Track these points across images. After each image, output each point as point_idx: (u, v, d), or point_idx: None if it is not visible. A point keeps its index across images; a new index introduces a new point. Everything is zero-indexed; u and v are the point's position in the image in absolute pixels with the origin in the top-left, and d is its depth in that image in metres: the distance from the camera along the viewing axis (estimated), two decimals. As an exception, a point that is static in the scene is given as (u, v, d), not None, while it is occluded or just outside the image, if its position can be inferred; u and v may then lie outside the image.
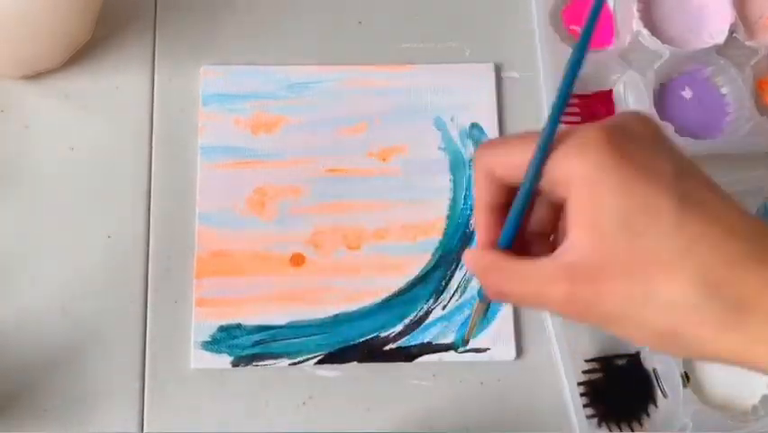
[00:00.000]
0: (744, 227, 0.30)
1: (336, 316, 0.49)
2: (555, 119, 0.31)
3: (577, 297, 0.31)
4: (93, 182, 0.50)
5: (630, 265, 0.29)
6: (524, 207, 0.32)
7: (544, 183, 0.31)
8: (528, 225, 0.35)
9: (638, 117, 0.32)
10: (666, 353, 0.31)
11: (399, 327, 0.49)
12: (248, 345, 0.48)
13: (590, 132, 0.30)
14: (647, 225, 0.29)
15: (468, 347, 0.49)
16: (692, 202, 0.29)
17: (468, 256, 0.35)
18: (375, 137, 0.52)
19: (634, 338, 0.31)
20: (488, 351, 0.49)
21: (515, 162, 0.32)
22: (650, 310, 0.29)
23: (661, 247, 0.29)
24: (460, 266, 0.51)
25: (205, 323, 0.48)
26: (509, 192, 0.33)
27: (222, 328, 0.48)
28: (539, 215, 0.35)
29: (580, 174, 0.30)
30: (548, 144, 0.31)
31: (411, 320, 0.49)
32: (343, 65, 0.54)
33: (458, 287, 0.50)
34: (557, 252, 0.31)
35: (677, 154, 0.31)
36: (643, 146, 0.30)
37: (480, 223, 0.34)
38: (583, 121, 0.53)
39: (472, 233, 0.51)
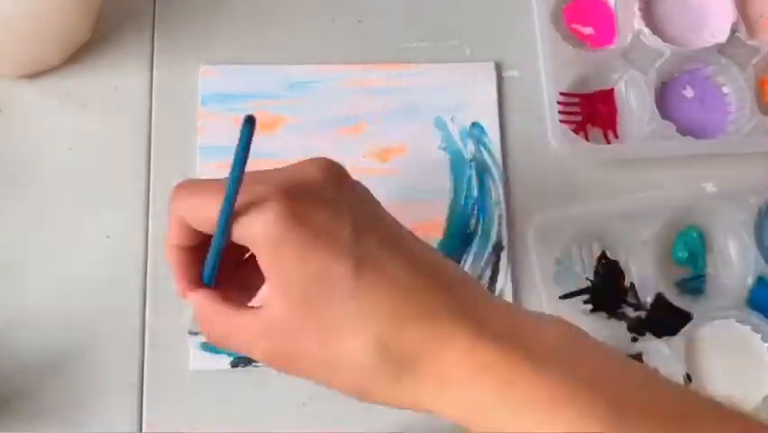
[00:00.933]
0: (415, 284, 0.31)
1: (336, 316, 0.49)
2: (235, 180, 0.31)
3: (275, 354, 0.33)
4: (92, 182, 0.50)
5: (318, 330, 0.31)
6: (218, 254, 0.33)
7: (235, 239, 0.32)
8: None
9: (319, 168, 0.33)
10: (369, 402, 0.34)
11: (399, 328, 0.49)
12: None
13: (270, 193, 0.31)
14: (326, 293, 0.31)
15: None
16: (368, 265, 0.31)
17: (188, 297, 0.36)
18: (374, 137, 0.52)
19: (335, 389, 0.33)
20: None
21: (203, 216, 0.33)
22: (339, 371, 0.32)
23: (340, 313, 0.31)
24: (460, 266, 0.50)
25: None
26: (203, 235, 0.34)
27: (221, 329, 0.48)
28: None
29: (261, 239, 0.31)
30: (230, 206, 0.31)
31: (410, 320, 0.49)
32: (343, 65, 0.53)
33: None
34: (263, 306, 0.33)
35: (357, 210, 0.32)
36: (321, 206, 0.31)
37: (175, 262, 0.35)
38: (584, 120, 0.53)
39: (473, 233, 0.51)
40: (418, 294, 0.31)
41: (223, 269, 0.35)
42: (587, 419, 0.29)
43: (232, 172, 0.31)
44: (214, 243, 0.33)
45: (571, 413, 0.29)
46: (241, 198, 0.31)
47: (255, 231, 0.31)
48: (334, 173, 0.33)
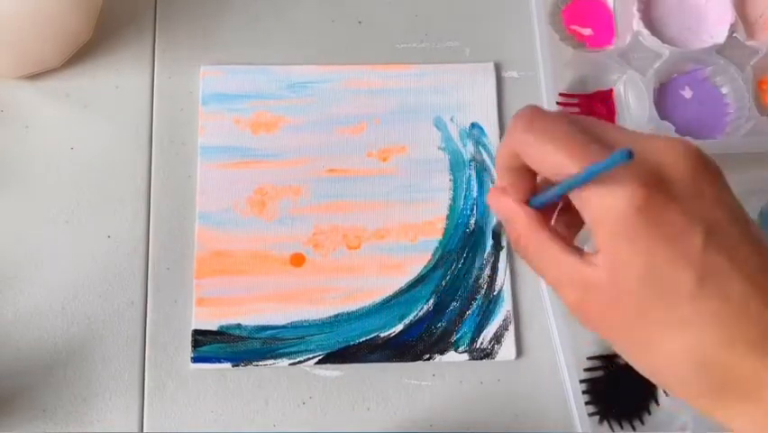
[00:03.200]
0: (757, 309, 0.29)
1: (336, 316, 0.49)
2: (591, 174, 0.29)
3: (584, 308, 0.31)
4: (93, 182, 0.50)
5: (639, 315, 0.30)
6: (557, 197, 0.32)
7: (576, 203, 0.31)
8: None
9: (688, 159, 0.31)
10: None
11: (399, 327, 0.49)
12: (248, 345, 0.48)
13: (631, 176, 0.29)
14: (660, 290, 0.29)
15: (470, 349, 0.49)
16: (712, 280, 0.29)
17: (502, 201, 0.34)
18: (375, 137, 0.52)
19: (623, 356, 0.32)
20: (488, 352, 0.49)
21: (546, 166, 0.31)
22: (643, 356, 0.31)
23: (669, 314, 0.29)
24: (460, 266, 0.51)
25: (205, 323, 0.48)
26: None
27: (222, 328, 0.48)
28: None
29: (608, 220, 0.30)
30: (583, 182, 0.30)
31: (411, 320, 0.49)
32: (343, 65, 0.54)
33: (458, 287, 0.50)
34: (587, 259, 0.31)
35: (713, 215, 0.30)
36: (679, 208, 0.30)
37: (506, 180, 0.34)
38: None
39: (473, 232, 0.51)
40: (755, 317, 0.29)
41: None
42: None
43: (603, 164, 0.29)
44: (552, 191, 0.32)
45: None
46: (600, 177, 0.30)
47: (602, 210, 0.30)
48: (701, 169, 0.31)
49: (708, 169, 0.31)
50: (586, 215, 0.31)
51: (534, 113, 0.32)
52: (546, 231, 0.33)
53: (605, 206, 0.30)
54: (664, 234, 0.29)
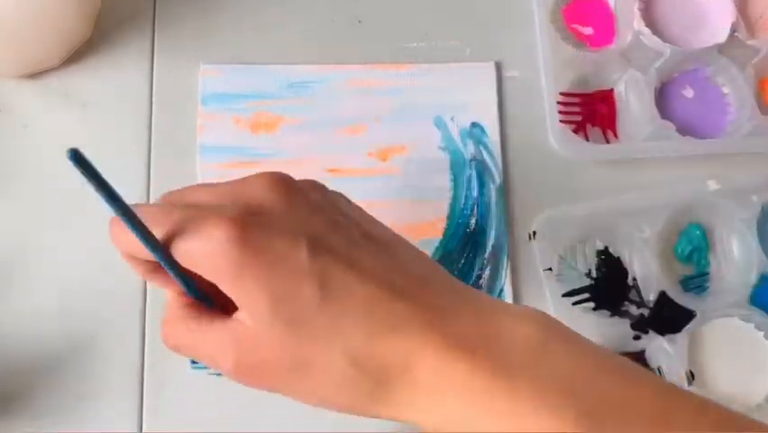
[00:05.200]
0: (382, 295, 0.31)
1: (336, 316, 0.49)
2: (124, 212, 0.31)
3: (243, 367, 0.32)
4: (92, 182, 0.50)
5: (290, 346, 0.31)
6: (178, 275, 0.33)
7: (186, 266, 0.32)
8: None
9: (267, 186, 0.32)
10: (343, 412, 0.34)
11: (400, 327, 0.49)
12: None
13: (220, 222, 0.30)
14: (294, 312, 0.30)
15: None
16: (331, 283, 0.31)
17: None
18: (375, 137, 0.52)
19: (304, 402, 0.33)
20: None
21: (140, 252, 0.32)
22: (311, 382, 0.32)
23: (310, 330, 0.31)
24: (460, 266, 0.50)
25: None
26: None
27: (221, 328, 0.48)
28: None
29: (219, 265, 0.30)
30: (145, 235, 0.30)
31: (412, 320, 0.49)
32: (343, 65, 0.53)
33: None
34: (231, 317, 0.32)
35: (312, 224, 0.32)
36: (274, 231, 0.31)
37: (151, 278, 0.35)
38: (584, 120, 0.53)
39: (473, 233, 0.51)
40: (386, 305, 0.31)
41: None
42: (557, 426, 0.29)
43: (113, 208, 0.30)
44: (167, 269, 0.32)
45: (540, 422, 0.30)
46: (189, 226, 0.31)
47: (206, 257, 0.30)
48: (283, 189, 0.33)
49: (290, 188, 0.33)
50: (201, 272, 0.31)
51: (113, 219, 0.33)
52: (185, 309, 0.34)
53: (206, 252, 0.30)
54: (272, 259, 0.30)
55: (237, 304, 0.31)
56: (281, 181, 0.33)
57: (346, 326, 0.31)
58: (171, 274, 0.33)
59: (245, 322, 0.31)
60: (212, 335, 0.33)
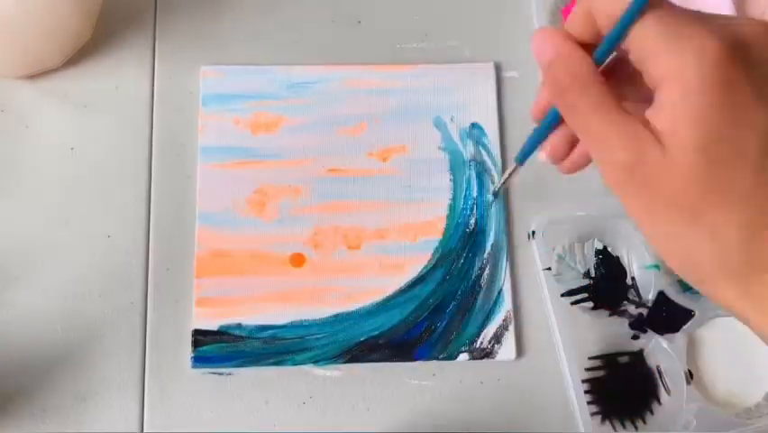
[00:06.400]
0: None
1: (336, 316, 0.49)
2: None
3: (634, 172, 0.29)
4: (93, 182, 0.50)
5: (695, 181, 0.28)
6: (612, 44, 0.31)
7: (636, 56, 0.30)
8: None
9: (764, 32, 0.29)
10: (682, 276, 0.31)
11: (399, 327, 0.49)
12: (248, 345, 0.48)
13: (711, 43, 0.28)
14: (726, 157, 0.28)
15: (470, 349, 0.49)
16: None
17: (555, 39, 0.32)
18: (375, 137, 0.52)
19: (651, 238, 0.30)
20: (489, 352, 0.49)
21: (608, 11, 0.30)
22: (682, 231, 0.29)
23: (729, 183, 0.28)
24: (459, 266, 0.51)
25: (205, 323, 0.48)
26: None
27: (222, 328, 0.48)
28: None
29: (680, 76, 0.28)
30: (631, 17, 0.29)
31: (411, 320, 0.49)
32: (343, 65, 0.54)
33: (458, 287, 0.50)
34: (646, 117, 0.29)
35: None
36: (752, 74, 0.28)
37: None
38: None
39: (473, 232, 0.51)
40: None
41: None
42: None
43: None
44: (606, 39, 0.31)
45: None
46: (673, 28, 0.29)
47: (671, 65, 0.28)
48: None
49: None
50: (652, 71, 0.29)
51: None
52: (603, 81, 0.31)
53: (675, 61, 0.28)
54: (737, 102, 0.28)
55: (667, 113, 0.29)
56: None
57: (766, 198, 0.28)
58: (608, 42, 0.31)
59: (665, 132, 0.28)
60: (619, 123, 0.30)
